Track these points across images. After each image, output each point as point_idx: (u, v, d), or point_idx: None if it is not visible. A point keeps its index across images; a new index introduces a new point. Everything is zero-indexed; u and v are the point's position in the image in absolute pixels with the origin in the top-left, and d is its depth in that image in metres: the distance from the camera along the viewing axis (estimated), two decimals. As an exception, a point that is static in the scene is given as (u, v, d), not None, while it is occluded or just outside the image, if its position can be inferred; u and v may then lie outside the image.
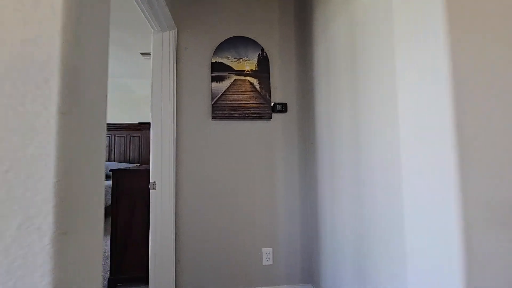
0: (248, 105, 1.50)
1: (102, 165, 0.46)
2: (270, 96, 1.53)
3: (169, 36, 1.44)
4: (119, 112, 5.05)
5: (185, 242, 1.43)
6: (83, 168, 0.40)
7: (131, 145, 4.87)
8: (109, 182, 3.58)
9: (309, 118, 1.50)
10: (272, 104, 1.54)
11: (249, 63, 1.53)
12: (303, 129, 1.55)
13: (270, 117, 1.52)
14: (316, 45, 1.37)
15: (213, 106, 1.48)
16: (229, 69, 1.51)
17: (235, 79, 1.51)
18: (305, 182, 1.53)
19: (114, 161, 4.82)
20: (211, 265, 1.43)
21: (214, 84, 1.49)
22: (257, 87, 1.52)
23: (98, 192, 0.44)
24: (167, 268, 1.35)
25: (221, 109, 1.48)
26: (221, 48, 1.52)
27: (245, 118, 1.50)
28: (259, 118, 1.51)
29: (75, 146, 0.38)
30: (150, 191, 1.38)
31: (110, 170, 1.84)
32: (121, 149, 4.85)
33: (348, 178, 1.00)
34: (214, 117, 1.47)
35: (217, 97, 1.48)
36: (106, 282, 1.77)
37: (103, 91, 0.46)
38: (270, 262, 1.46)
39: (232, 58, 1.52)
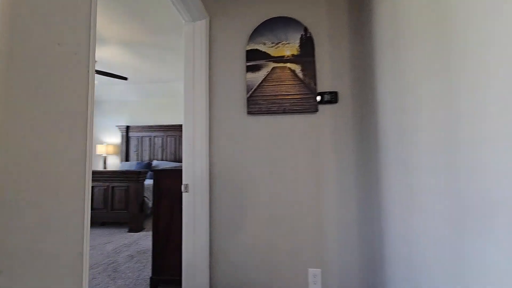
0: (289, 97, 1.27)
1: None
2: (315, 84, 1.26)
3: (201, 26, 1.32)
4: (170, 115, 5.42)
5: (220, 254, 1.29)
6: None
7: (180, 146, 5.15)
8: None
9: (368, 108, 1.18)
10: (319, 94, 1.27)
11: (290, 47, 1.29)
12: (360, 123, 1.23)
13: (316, 110, 1.25)
14: (377, 7, 1.04)
15: (248, 100, 1.30)
16: (265, 56, 1.31)
17: (273, 67, 1.30)
18: (364, 189, 1.20)
19: (166, 160, 5.18)
20: (248, 281, 1.25)
21: (249, 75, 1.31)
22: (300, 75, 1.27)
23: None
24: (200, 281, 1.24)
25: (257, 103, 1.29)
26: (256, 33, 1.32)
27: (285, 112, 1.27)
28: (303, 111, 1.26)
29: None
30: (183, 193, 1.29)
31: (152, 170, 1.86)
32: (172, 149, 5.17)
33: (434, 187, 0.67)
34: (249, 112, 1.29)
35: (252, 90, 1.30)
36: (148, 280, 1.80)
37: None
38: (319, 287, 1.20)
39: (270, 43, 1.31)
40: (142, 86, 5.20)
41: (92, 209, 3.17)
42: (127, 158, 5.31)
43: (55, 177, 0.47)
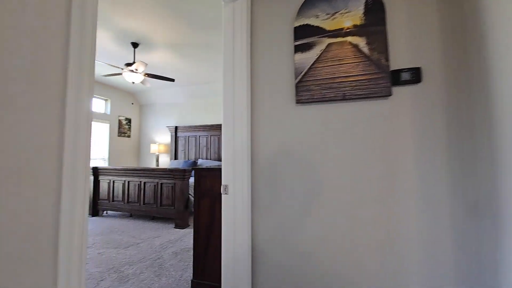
0: (350, 79, 1.00)
1: None
2: (387, 59, 0.96)
3: (241, 5, 1.15)
4: (214, 115, 5.53)
5: (264, 264, 1.10)
6: None
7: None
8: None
9: (473, 87, 0.82)
10: (393, 72, 0.96)
11: (351, 16, 1.02)
12: (459, 108, 0.88)
13: (388, 93, 0.95)
14: None
15: (297, 86, 1.07)
16: (319, 31, 1.06)
17: (328, 44, 1.04)
18: (468, 206, 0.85)
19: (210, 159, 5.29)
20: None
21: (298, 56, 1.08)
22: (364, 49, 0.99)
23: None
24: (241, 297, 1.07)
25: (308, 89, 1.06)
26: (307, 5, 1.09)
27: (344, 98, 1.00)
28: (369, 96, 0.97)
29: None
30: (222, 195, 1.15)
31: (193, 169, 1.79)
32: (215, 149, 5.26)
33: None
34: (299, 101, 1.07)
35: (302, 74, 1.07)
36: (190, 282, 1.74)
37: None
38: (393, 328, 0.90)
39: (324, 15, 1.06)
40: (188, 88, 5.43)
41: (144, 203, 3.38)
42: (175, 157, 5.64)
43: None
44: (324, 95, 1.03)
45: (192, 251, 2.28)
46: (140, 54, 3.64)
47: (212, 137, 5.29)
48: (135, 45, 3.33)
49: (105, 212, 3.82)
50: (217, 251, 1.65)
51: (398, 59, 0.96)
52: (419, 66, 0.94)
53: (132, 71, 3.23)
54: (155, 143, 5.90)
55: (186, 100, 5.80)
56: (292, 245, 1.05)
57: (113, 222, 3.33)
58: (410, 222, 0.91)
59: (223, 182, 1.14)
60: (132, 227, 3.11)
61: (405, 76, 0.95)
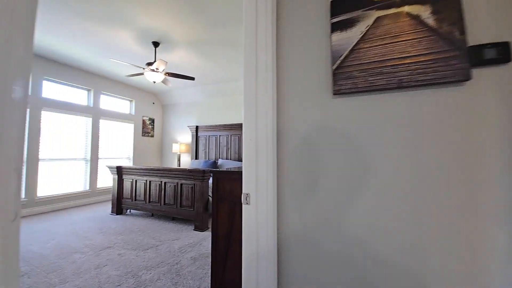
0: (408, 60, 0.77)
1: None
2: (463, 32, 0.71)
3: (266, -21, 0.97)
4: (234, 114, 5.42)
5: (291, 266, 0.91)
6: None
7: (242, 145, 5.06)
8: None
9: None
10: (471, 49, 0.71)
11: (408, -20, 0.78)
12: None
13: (467, 78, 0.71)
14: None
15: (335, 73, 0.86)
16: (364, 3, 0.84)
17: (377, 18, 0.82)
18: None
19: (230, 159, 5.19)
20: None
21: (337, 36, 0.87)
22: (429, 21, 0.75)
23: None
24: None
25: (349, 76, 0.84)
26: (348, -29, 0.87)
27: (401, 86, 0.78)
28: (437, 82, 0.74)
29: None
30: (243, 206, 0.98)
31: (211, 171, 1.65)
32: (236, 149, 5.15)
33: None
34: (337, 92, 0.86)
35: (342, 57, 0.86)
36: (208, 296, 1.60)
37: None
38: None
39: (370, -18, 0.84)
40: (207, 87, 5.38)
41: (164, 204, 3.35)
42: (196, 156, 5.63)
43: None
44: (371, 83, 0.81)
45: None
46: (160, 53, 3.62)
47: (232, 137, 5.18)
48: (156, 44, 3.31)
49: (128, 210, 3.88)
50: (236, 263, 1.49)
51: (478, 32, 0.71)
52: (507, 40, 0.68)
53: (153, 70, 3.21)
54: (176, 143, 5.96)
55: (206, 100, 5.77)
56: (326, 269, 0.85)
57: (135, 221, 3.35)
58: (495, 236, 0.66)
59: (244, 190, 0.97)
60: (152, 228, 3.08)
61: (489, 53, 0.69)
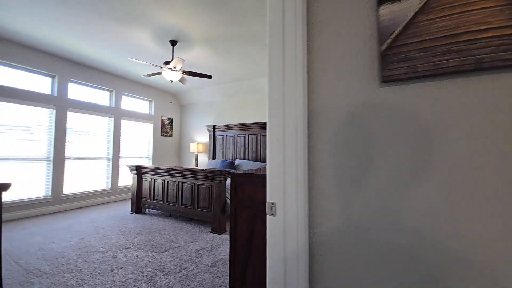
0: (491, 34, 0.58)
1: None
2: None
3: None
4: (251, 113, 5.30)
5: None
6: None
7: (261, 144, 4.94)
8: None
9: None
10: None
11: None
12: None
13: None
14: None
15: (384, 55, 0.69)
16: (424, -37, 0.66)
17: (443, -19, 0.63)
18: None
19: (248, 159, 5.08)
20: None
21: (386, 8, 0.69)
22: (524, -22, 0.55)
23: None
24: None
25: (405, 58, 0.66)
26: None
27: (481, 68, 0.58)
28: (536, 60, 0.54)
29: None
30: (268, 217, 0.83)
31: (229, 173, 1.52)
32: (253, 148, 5.02)
33: None
34: (388, 79, 0.68)
35: (394, 35, 0.68)
36: (226, 308, 1.48)
37: None
38: None
39: None
40: (225, 86, 5.31)
41: (182, 204, 3.31)
42: (213, 156, 5.59)
43: None
44: (437, 65, 0.62)
45: (228, 265, 2.04)
46: (178, 52, 3.59)
47: (250, 137, 5.07)
48: (173, 42, 3.27)
49: (147, 210, 3.90)
50: (256, 280, 1.35)
51: None
52: None
53: (170, 69, 3.18)
54: (194, 143, 5.96)
55: (223, 99, 5.71)
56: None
57: (153, 221, 3.34)
58: None
59: (268, 199, 0.82)
60: (170, 228, 3.05)
61: None
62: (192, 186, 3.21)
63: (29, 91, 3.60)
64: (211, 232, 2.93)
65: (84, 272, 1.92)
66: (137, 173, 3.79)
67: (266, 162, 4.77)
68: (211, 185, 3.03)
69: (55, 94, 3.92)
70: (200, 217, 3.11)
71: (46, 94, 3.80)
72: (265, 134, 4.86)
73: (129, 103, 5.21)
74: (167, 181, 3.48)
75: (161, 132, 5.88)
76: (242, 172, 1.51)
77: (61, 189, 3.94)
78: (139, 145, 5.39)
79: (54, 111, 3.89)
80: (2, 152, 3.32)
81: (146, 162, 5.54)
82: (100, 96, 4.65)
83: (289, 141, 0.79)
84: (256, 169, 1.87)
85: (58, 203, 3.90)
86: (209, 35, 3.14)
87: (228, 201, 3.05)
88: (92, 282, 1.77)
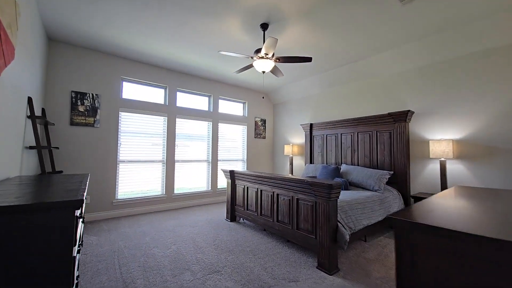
0: None
1: None
2: None
3: None
4: (361, 104, 4.10)
5: None
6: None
7: (377, 145, 3.66)
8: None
9: None
10: None
11: None
12: None
13: None
14: None
15: None
16: None
17: None
18: None
19: (357, 165, 3.92)
20: None
21: None
22: None
23: None
24: None
25: None
26: None
27: None
28: None
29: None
30: None
31: (394, 220, 0.68)
32: (366, 150, 3.82)
33: None
34: None
35: None
36: None
37: None
38: None
39: None
40: (325, 74, 4.35)
41: (277, 220, 2.70)
42: (311, 160, 4.76)
43: None
44: None
45: None
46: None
47: (360, 135, 3.89)
48: (264, 26, 2.74)
49: (241, 219, 3.59)
50: None
51: None
52: None
53: (262, 57, 2.65)
54: (288, 144, 5.36)
55: (322, 91, 4.78)
56: None
57: (246, 235, 2.92)
58: None
59: None
60: (264, 250, 2.49)
61: None
62: (289, 200, 2.54)
63: (148, 102, 4.10)
64: (317, 267, 2.13)
65: (169, 303, 1.61)
66: (230, 178, 3.55)
67: (386, 170, 3.46)
68: (316, 202, 2.23)
69: (167, 103, 4.33)
70: (301, 242, 2.38)
71: (161, 104, 4.24)
72: (384, 131, 3.55)
73: (224, 106, 5.26)
74: (261, 190, 2.99)
75: (255, 134, 5.66)
76: (424, 222, 0.63)
77: (172, 189, 4.30)
78: (234, 148, 5.35)
79: (166, 118, 4.29)
80: (136, 156, 3.90)
81: (241, 165, 5.45)
82: (200, 102, 4.88)
83: None
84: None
85: (169, 201, 4.27)
86: (304, 5, 2.38)
87: (341, 226, 2.14)
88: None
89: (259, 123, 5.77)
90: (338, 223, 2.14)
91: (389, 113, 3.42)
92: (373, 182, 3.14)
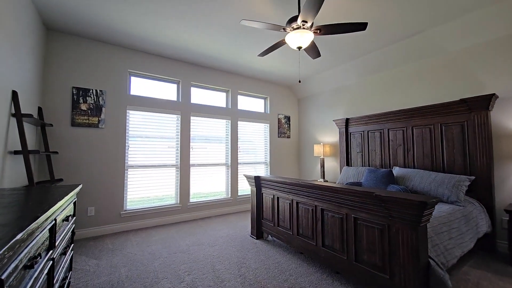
0: None
1: None
2: None
3: None
4: (417, 91, 3.30)
5: None
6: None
7: (443, 142, 2.85)
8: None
9: None
10: None
11: None
12: None
13: None
14: None
15: None
16: None
17: None
18: None
19: (413, 167, 3.13)
20: None
21: None
22: None
23: None
24: None
25: None
26: None
27: None
28: None
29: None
30: None
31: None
32: (424, 149, 3.01)
33: None
34: None
35: None
36: None
37: None
38: None
39: None
40: (364, 58, 3.58)
41: (323, 245, 2.01)
42: (347, 162, 4.01)
43: None
44: None
45: None
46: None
47: (415, 130, 3.09)
48: (299, -11, 2.09)
49: (269, 236, 2.95)
50: None
51: None
52: None
53: (298, 28, 2.00)
54: (319, 144, 4.65)
55: (360, 79, 4.02)
56: None
57: (279, 260, 2.27)
58: None
59: None
60: (307, 287, 1.82)
61: None
62: (342, 218, 1.85)
63: (159, 98, 3.60)
64: (396, 324, 1.43)
65: None
66: (256, 185, 2.92)
67: (456, 173, 2.65)
68: (389, 226, 1.53)
69: (180, 100, 3.82)
70: (362, 280, 1.68)
71: (173, 101, 3.73)
72: (452, 124, 2.74)
73: (244, 102, 4.67)
74: (297, 203, 2.32)
75: (278, 133, 5.01)
76: None
77: (188, 197, 3.77)
78: (256, 149, 4.73)
79: (179, 116, 3.78)
80: (147, 160, 3.41)
81: (263, 169, 4.81)
82: (217, 97, 4.32)
83: None
84: None
85: (184, 211, 3.73)
86: None
87: (435, 266, 1.41)
88: None
89: (283, 121, 5.11)
90: (430, 258, 1.42)
91: (462, 99, 2.61)
92: (447, 191, 2.35)
